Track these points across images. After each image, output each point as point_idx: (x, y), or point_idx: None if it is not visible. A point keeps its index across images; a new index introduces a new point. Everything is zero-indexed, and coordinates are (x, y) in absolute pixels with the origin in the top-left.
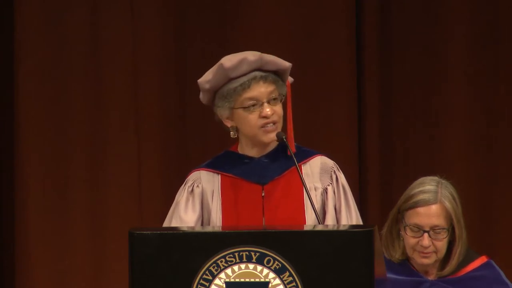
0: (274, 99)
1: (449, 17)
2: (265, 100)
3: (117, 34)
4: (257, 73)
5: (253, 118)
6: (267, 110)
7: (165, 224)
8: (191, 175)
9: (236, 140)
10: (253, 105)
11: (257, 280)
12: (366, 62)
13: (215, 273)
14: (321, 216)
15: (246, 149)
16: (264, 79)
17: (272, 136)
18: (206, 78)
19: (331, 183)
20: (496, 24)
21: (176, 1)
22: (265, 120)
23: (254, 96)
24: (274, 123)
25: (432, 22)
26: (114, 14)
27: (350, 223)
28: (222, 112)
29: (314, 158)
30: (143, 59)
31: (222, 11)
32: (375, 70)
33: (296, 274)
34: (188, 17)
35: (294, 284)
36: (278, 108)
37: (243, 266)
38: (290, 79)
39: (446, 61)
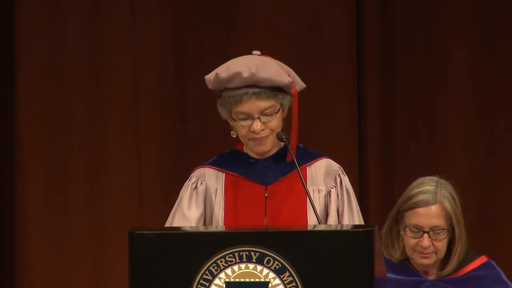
0: (268, 114)
1: (450, 16)
2: (256, 116)
3: (117, 34)
4: (250, 90)
5: (243, 130)
6: (256, 127)
7: (169, 220)
8: (195, 171)
9: (238, 139)
10: (245, 119)
11: (257, 280)
12: (367, 61)
13: (215, 273)
14: (324, 218)
15: (250, 151)
16: (256, 95)
17: (262, 148)
18: (209, 78)
19: (335, 186)
20: (498, 24)
21: (176, 1)
22: (253, 135)
23: (245, 111)
24: (262, 138)
25: (433, 21)
26: (114, 14)
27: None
28: (222, 113)
29: (320, 161)
30: (143, 60)
31: (222, 11)
32: (375, 70)
33: (296, 274)
34: (188, 17)
35: (294, 284)
36: (272, 122)
37: (243, 266)
38: (301, 85)
39: (447, 60)
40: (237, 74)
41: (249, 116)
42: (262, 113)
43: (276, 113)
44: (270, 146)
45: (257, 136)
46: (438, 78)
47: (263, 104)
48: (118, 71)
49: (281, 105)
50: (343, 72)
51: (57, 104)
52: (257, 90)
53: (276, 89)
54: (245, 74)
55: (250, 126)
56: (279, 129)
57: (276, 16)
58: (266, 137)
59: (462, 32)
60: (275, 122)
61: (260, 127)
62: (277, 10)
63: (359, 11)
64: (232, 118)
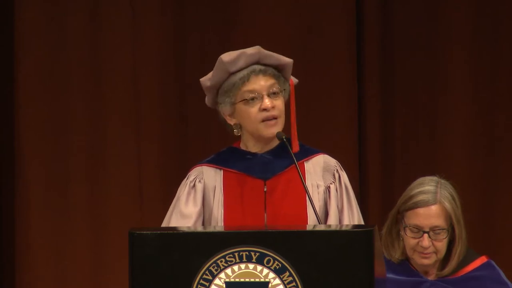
0: (275, 93)
1: (450, 16)
2: (265, 93)
3: (117, 34)
4: (256, 66)
5: (253, 111)
6: (267, 102)
7: (166, 218)
8: (193, 170)
9: (238, 137)
10: (253, 99)
11: (257, 280)
12: (367, 61)
13: (215, 273)
14: (324, 214)
15: (249, 145)
16: (263, 72)
17: (274, 130)
18: (207, 77)
19: (333, 182)
20: (498, 24)
21: (176, 1)
22: (266, 114)
23: (254, 88)
24: (275, 117)
25: (433, 21)
26: (114, 14)
27: (352, 223)
28: (224, 109)
29: (317, 156)
30: (143, 59)
31: (222, 11)
32: (375, 70)
33: (296, 274)
34: (188, 17)
35: (294, 284)
36: (279, 103)
37: (243, 266)
38: (294, 80)
39: (447, 60)
40: (242, 53)
41: (258, 95)
42: (270, 90)
43: (281, 92)
44: (281, 127)
45: (269, 114)
46: (438, 78)
47: (270, 81)
48: (118, 71)
49: (280, 89)
50: (343, 72)
51: (57, 104)
52: (263, 67)
53: (279, 71)
54: (250, 51)
55: (260, 105)
56: (283, 114)
57: (276, 16)
58: (277, 118)
59: (462, 32)
60: (281, 103)
61: (270, 104)
62: (277, 10)
63: (359, 11)
64: (240, 102)
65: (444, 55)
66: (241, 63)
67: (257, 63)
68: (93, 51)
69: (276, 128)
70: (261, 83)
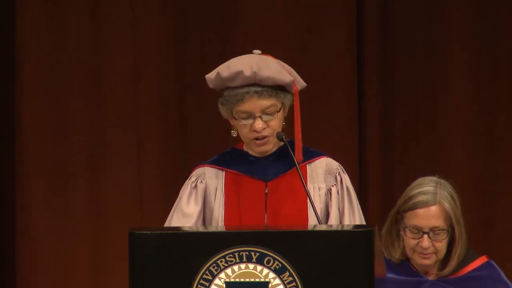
0: (269, 114)
1: (450, 16)
2: (258, 115)
3: (117, 34)
4: (252, 89)
5: (245, 130)
6: (257, 125)
7: (168, 218)
8: (195, 170)
9: (239, 139)
10: (246, 118)
11: (257, 280)
12: (367, 61)
13: (215, 273)
14: (325, 217)
15: (251, 149)
16: (258, 94)
17: (264, 149)
18: (211, 77)
19: (335, 184)
20: (498, 24)
21: (176, 1)
22: (255, 135)
23: (247, 110)
24: (265, 137)
25: (433, 21)
26: (114, 14)
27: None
28: (223, 112)
29: (320, 159)
30: (143, 59)
31: (222, 11)
32: (375, 70)
33: (296, 274)
34: (188, 17)
35: (294, 284)
36: (273, 122)
37: (243, 266)
38: (303, 84)
39: (447, 60)
40: (239, 73)
41: (251, 115)
42: (264, 112)
43: (277, 112)
44: (272, 146)
45: (259, 135)
46: (438, 78)
47: (265, 103)
48: (118, 71)
49: (283, 104)
50: (343, 72)
51: (57, 104)
52: (259, 89)
53: (277, 88)
54: (247, 73)
55: (251, 125)
56: (280, 129)
57: (276, 16)
58: (268, 137)
59: (462, 32)
60: (277, 121)
61: (261, 126)
62: (277, 10)
63: (359, 11)
64: (234, 117)
65: (444, 55)
66: (237, 81)
67: (254, 84)
68: (93, 51)
69: (266, 146)
70: (255, 105)
